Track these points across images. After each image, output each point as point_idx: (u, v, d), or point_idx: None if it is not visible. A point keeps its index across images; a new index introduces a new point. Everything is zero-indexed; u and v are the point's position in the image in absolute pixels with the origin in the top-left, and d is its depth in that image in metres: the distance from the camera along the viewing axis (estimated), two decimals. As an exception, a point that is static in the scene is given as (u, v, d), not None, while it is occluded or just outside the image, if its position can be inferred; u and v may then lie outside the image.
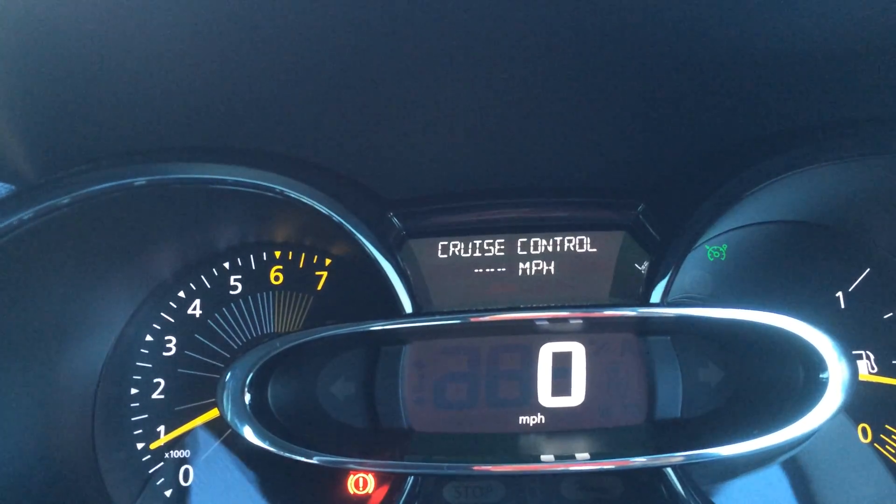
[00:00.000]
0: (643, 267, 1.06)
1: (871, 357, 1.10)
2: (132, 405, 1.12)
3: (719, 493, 1.05)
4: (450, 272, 1.11)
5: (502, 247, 1.12)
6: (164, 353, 1.14)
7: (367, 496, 1.08)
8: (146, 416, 1.12)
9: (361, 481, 1.09)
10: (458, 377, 1.08)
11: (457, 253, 1.12)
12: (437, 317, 1.03)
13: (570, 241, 1.12)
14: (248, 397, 1.00)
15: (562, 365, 1.07)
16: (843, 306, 1.12)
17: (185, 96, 0.88)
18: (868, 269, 1.13)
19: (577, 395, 1.07)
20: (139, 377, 1.13)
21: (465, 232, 1.12)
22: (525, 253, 1.12)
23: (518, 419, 1.07)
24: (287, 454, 0.98)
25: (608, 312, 1.01)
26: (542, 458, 0.99)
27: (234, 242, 1.17)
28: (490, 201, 1.14)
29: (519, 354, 1.08)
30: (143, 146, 0.98)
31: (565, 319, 1.03)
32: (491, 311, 1.02)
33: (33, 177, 0.96)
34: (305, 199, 1.01)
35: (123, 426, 1.11)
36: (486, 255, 1.12)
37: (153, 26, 0.74)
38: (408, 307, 1.05)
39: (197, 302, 1.16)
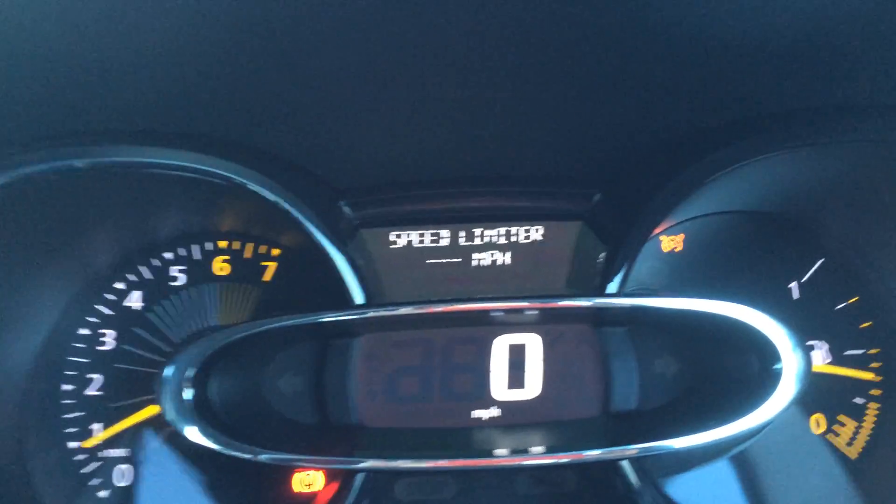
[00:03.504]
0: (600, 258, 1.05)
1: (825, 347, 1.10)
2: (64, 402, 1.06)
3: (674, 485, 1.04)
4: (403, 263, 1.08)
5: (457, 237, 1.10)
6: (100, 348, 1.08)
7: (314, 494, 1.04)
8: (80, 413, 1.06)
9: (308, 479, 1.05)
10: (410, 371, 1.06)
11: (410, 243, 1.09)
12: (389, 307, 1.00)
13: (525, 232, 1.10)
14: (189, 393, 0.96)
15: (517, 357, 1.05)
16: (796, 297, 1.12)
17: (127, 78, 0.83)
18: (821, 260, 1.13)
19: (532, 388, 1.05)
20: (73, 373, 1.07)
21: (419, 222, 1.10)
22: (480, 243, 1.10)
23: (472, 413, 1.05)
24: (231, 452, 0.94)
25: (563, 303, 1.00)
26: (496, 452, 0.97)
27: (175, 232, 1.11)
28: (444, 191, 1.11)
29: (473, 347, 1.06)
30: (80, 128, 0.93)
31: (520, 310, 1.02)
32: (445, 302, 1.00)
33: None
34: (252, 186, 0.97)
35: (55, 424, 1.05)
36: (440, 245, 1.09)
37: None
38: (359, 299, 1.02)
39: (136, 294, 1.10)
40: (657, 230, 1.07)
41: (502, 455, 0.97)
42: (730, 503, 1.04)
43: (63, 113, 0.90)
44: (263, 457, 0.94)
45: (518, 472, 1.04)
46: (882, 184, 1.04)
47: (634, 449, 0.94)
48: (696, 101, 0.95)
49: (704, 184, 1.00)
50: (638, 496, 0.98)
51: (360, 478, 0.99)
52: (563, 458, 0.96)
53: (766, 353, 0.98)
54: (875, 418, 1.09)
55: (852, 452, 1.08)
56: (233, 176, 0.96)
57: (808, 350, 0.97)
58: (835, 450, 1.08)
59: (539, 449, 0.97)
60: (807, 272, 1.13)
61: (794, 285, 1.13)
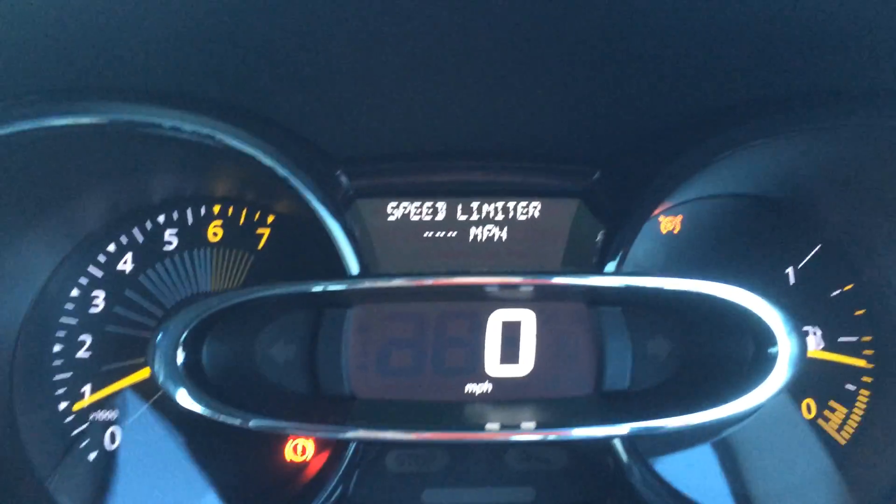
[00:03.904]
0: (598, 236, 1.04)
1: (818, 333, 1.10)
2: (55, 363, 1.05)
3: (664, 464, 1.04)
4: (399, 235, 1.07)
5: (454, 211, 1.09)
6: (91, 310, 1.07)
7: (305, 463, 1.04)
8: (70, 374, 1.05)
9: (300, 448, 1.05)
10: (403, 343, 1.05)
11: (407, 215, 1.08)
12: (384, 278, 0.99)
13: (523, 208, 1.09)
14: (181, 358, 0.95)
15: (511, 333, 1.05)
16: (792, 282, 1.12)
17: (125, 35, 0.81)
18: (819, 246, 1.13)
19: (525, 365, 1.05)
20: (63, 334, 1.06)
21: (416, 193, 1.08)
22: (477, 218, 1.09)
23: (464, 388, 1.04)
24: (221, 417, 0.93)
25: (558, 280, 0.99)
26: (487, 427, 0.96)
27: (169, 194, 1.10)
28: (443, 163, 1.10)
29: (467, 321, 1.05)
30: (70, 84, 0.91)
31: (515, 286, 1.00)
32: (440, 275, 0.99)
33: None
34: (248, 150, 0.95)
35: (45, 385, 1.04)
36: (437, 218, 1.08)
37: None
38: (354, 269, 1.01)
39: (128, 256, 1.09)
40: (656, 211, 1.07)
41: (493, 430, 0.97)
42: (719, 483, 1.05)
43: (59, 69, 0.87)
44: (253, 423, 0.93)
45: (509, 448, 1.04)
46: (882, 171, 1.04)
47: (626, 427, 0.94)
48: (699, 83, 0.94)
49: (706, 166, 0.99)
50: (628, 474, 0.98)
51: (351, 448, 0.98)
52: (554, 434, 0.95)
53: (760, 337, 0.97)
54: (865, 405, 1.09)
55: (841, 438, 1.09)
56: (228, 138, 0.95)
57: (803, 335, 0.96)
58: (824, 435, 1.08)
59: (530, 425, 0.97)
60: (804, 258, 1.13)
61: (790, 271, 1.13)
